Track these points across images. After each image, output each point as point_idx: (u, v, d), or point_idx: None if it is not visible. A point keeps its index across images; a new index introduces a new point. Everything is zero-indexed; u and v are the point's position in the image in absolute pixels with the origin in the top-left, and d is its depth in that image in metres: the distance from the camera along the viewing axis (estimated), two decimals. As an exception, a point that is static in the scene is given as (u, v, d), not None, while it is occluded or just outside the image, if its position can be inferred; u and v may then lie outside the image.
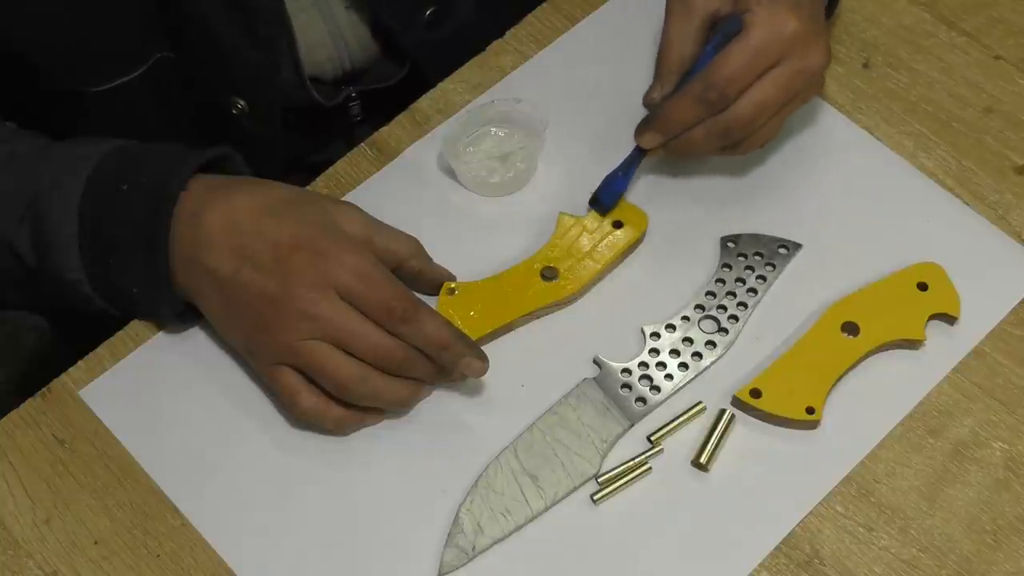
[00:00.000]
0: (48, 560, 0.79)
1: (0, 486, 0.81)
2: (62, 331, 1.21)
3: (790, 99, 0.84)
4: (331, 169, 0.92)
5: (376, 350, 0.77)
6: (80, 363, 0.85)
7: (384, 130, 0.94)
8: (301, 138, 1.02)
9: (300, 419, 0.80)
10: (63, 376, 0.84)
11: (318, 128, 1.03)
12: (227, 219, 0.79)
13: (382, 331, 0.77)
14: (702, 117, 0.83)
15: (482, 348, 0.81)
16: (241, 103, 0.93)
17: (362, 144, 0.93)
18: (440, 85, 0.96)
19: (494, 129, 0.92)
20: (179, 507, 0.80)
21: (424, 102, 0.95)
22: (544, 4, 0.99)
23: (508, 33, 0.98)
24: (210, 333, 0.85)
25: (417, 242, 0.84)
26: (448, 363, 0.79)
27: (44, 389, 0.84)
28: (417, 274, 0.84)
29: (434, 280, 0.85)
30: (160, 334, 0.86)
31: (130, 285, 0.81)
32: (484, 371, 0.80)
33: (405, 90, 0.97)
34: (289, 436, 0.82)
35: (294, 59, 0.93)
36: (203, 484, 0.81)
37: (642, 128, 0.86)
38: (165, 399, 0.84)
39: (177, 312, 0.83)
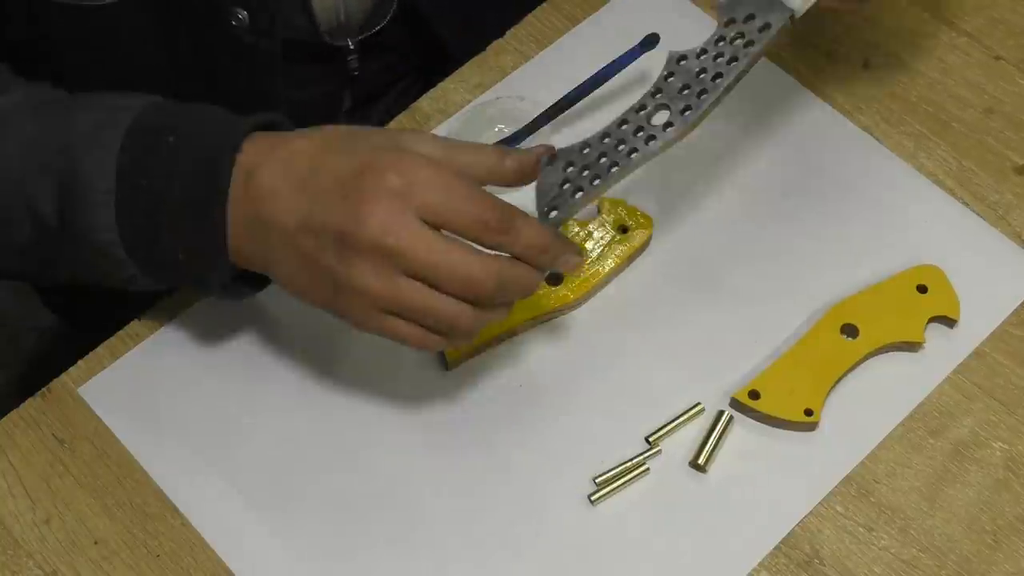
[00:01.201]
0: (48, 560, 0.79)
1: (0, 486, 0.81)
2: (62, 331, 1.20)
3: None
4: (331, 169, 0.92)
5: (468, 285, 0.70)
6: (80, 363, 0.85)
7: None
8: (302, 70, 0.97)
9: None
10: (63, 376, 0.85)
11: (319, 69, 1.00)
12: (284, 166, 0.72)
13: (472, 256, 0.70)
14: None
15: (484, 354, 0.81)
16: (242, 14, 0.87)
17: (362, 144, 0.93)
18: (440, 85, 0.96)
19: (498, 126, 0.92)
20: (179, 507, 0.80)
21: (424, 102, 0.95)
22: (544, 4, 0.99)
23: (508, 33, 0.98)
24: (210, 332, 0.85)
25: (498, 148, 0.75)
26: (546, 265, 0.73)
27: (44, 389, 0.84)
28: (519, 167, 0.74)
29: (537, 157, 0.75)
30: (160, 333, 0.86)
31: (176, 248, 0.74)
32: (581, 264, 0.74)
33: (400, 43, 0.95)
34: (289, 436, 0.82)
35: None
36: (203, 484, 0.81)
37: None
38: (165, 398, 0.84)
39: (223, 282, 0.76)
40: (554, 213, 0.74)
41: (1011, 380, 0.84)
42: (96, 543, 0.79)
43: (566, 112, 0.89)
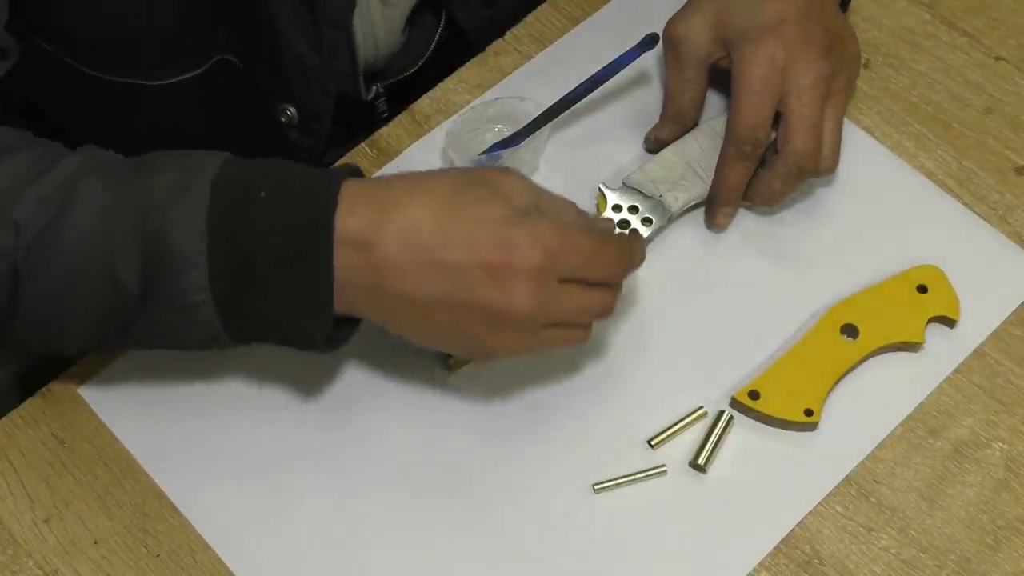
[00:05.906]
0: (48, 560, 0.79)
1: (0, 486, 0.81)
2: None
3: (825, 104, 0.85)
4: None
5: (602, 313, 0.76)
6: (80, 363, 0.85)
7: (384, 130, 0.94)
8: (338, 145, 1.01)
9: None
10: (63, 376, 0.84)
11: (351, 126, 1.02)
12: (404, 240, 0.71)
13: (595, 292, 0.75)
14: (751, 169, 0.86)
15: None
16: (291, 111, 0.91)
17: (362, 144, 0.93)
18: (440, 85, 0.96)
19: (498, 126, 0.92)
20: (179, 507, 0.80)
21: (424, 102, 0.95)
22: (544, 4, 0.99)
23: (508, 33, 0.98)
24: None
25: (576, 206, 0.77)
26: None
27: (44, 389, 0.84)
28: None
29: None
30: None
31: (277, 306, 0.72)
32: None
33: (422, 86, 0.97)
34: (289, 436, 0.82)
35: (351, 52, 0.92)
36: (203, 484, 0.81)
37: (711, 213, 0.88)
38: (165, 398, 0.83)
39: (326, 336, 0.74)
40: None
41: (1011, 380, 0.84)
42: (96, 543, 0.79)
43: (566, 112, 0.89)
